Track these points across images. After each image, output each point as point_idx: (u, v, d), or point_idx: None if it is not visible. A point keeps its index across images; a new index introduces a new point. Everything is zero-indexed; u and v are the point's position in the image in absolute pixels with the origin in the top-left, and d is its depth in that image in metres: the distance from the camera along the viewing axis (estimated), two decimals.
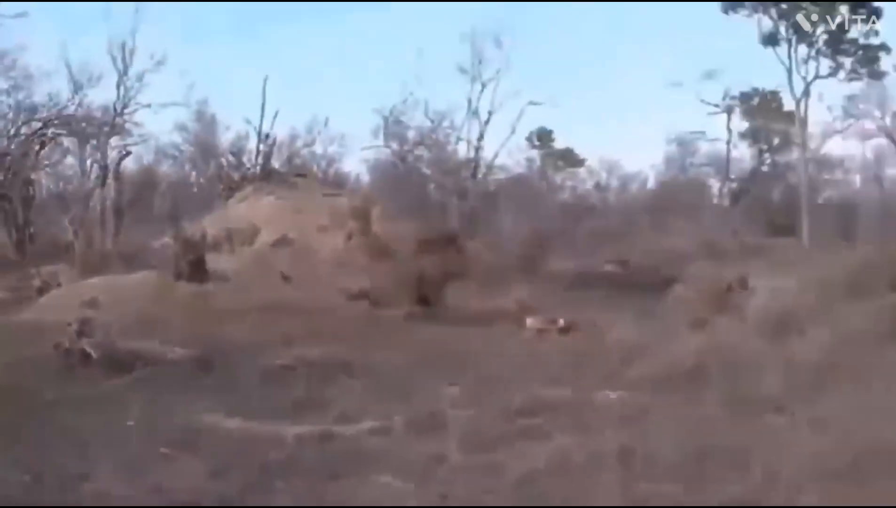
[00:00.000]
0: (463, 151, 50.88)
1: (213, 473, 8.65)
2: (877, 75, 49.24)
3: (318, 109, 52.23)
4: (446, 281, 22.04)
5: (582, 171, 58.55)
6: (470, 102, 50.13)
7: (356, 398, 12.21)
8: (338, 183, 46.44)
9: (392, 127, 51.16)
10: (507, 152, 53.08)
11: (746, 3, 49.69)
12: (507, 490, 8.17)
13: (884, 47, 48.68)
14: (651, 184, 58.38)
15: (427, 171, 50.97)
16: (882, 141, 51.66)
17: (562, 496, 7.95)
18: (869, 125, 51.71)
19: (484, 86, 49.81)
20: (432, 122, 50.74)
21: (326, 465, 9.14)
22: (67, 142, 44.47)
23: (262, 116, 41.98)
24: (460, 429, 10.20)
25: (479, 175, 50.34)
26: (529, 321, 19.42)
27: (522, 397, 11.93)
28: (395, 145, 51.79)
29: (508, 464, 8.82)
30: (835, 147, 54.32)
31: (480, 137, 50.42)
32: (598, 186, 58.69)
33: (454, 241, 24.34)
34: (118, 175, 42.21)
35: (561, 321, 19.16)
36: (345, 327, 18.93)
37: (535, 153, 57.05)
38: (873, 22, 48.65)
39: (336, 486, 8.45)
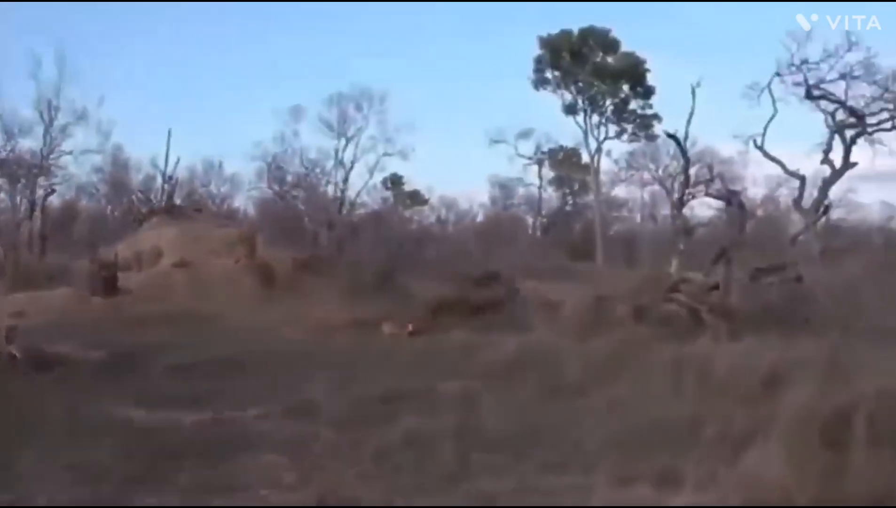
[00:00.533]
0: (331, 191, 50.95)
1: (120, 453, 8.26)
2: (651, 138, 51.28)
3: (214, 155, 51.61)
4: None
5: (426, 208, 59.00)
6: (336, 153, 50.25)
7: (245, 390, 11.91)
8: (229, 216, 45.72)
9: (274, 172, 50.84)
10: (366, 193, 53.46)
11: (551, 80, 50.95)
12: (367, 461, 8.02)
13: (656, 116, 50.84)
14: (480, 218, 59.14)
15: (302, 207, 50.62)
16: (656, 187, 53.43)
17: (412, 464, 7.85)
18: (646, 176, 53.56)
19: (348, 140, 50.01)
20: (306, 168, 50.70)
21: (218, 445, 8.83)
22: (1, 181, 42.96)
23: (166, 160, 41.26)
24: (329, 413, 10.01)
25: (345, 211, 50.24)
26: (385, 327, 19.25)
27: (380, 387, 11.78)
28: (276, 187, 51.35)
29: (368, 440, 8.67)
30: (620, 192, 56.20)
31: (345, 181, 50.92)
32: (439, 219, 59.10)
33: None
34: (44, 209, 41.06)
35: (410, 327, 19.05)
36: (236, 332, 18.53)
37: (389, 194, 57.21)
38: (647, 98, 50.72)
39: (225, 463, 8.15)
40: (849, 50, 34.49)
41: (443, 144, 72.00)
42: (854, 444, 7.37)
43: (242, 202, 53.77)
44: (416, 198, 57.85)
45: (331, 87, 60.62)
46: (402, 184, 56.67)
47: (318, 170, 50.99)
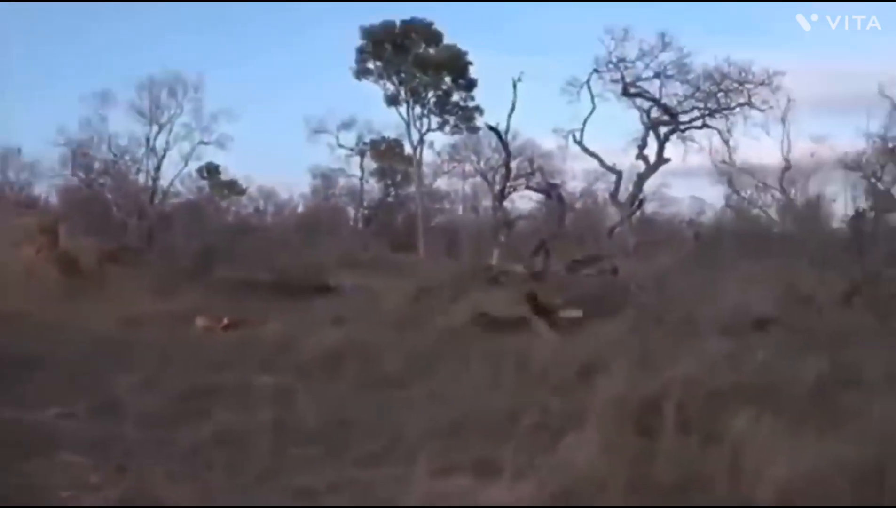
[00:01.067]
0: (142, 180, 49.29)
1: None
2: (473, 130, 52.05)
3: (12, 141, 48.93)
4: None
5: (244, 198, 58.06)
6: (148, 140, 48.58)
7: (45, 388, 11.31)
8: (29, 205, 43.49)
9: (79, 159, 48.66)
10: (180, 182, 52.05)
11: (373, 71, 51.03)
12: (177, 460, 7.78)
13: (478, 109, 51.61)
14: (301, 209, 58.70)
15: (110, 196, 48.75)
16: (478, 180, 54.41)
17: (225, 462, 7.67)
18: (468, 168, 54.48)
19: (160, 127, 48.46)
20: (115, 155, 48.73)
21: (16, 446, 8.35)
22: None
23: None
24: (137, 411, 9.65)
25: (157, 200, 48.71)
26: (198, 320, 18.76)
27: (191, 382, 11.46)
28: (81, 174, 49.24)
29: (178, 438, 8.42)
30: (442, 184, 56.96)
31: (157, 169, 49.14)
32: (257, 210, 58.29)
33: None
34: None
35: (225, 320, 18.66)
36: (36, 327, 17.59)
37: (205, 183, 55.95)
38: (470, 90, 51.57)
39: (24, 464, 7.73)
40: (663, 50, 36.38)
41: (262, 133, 70.91)
42: (663, 431, 7.73)
43: (45, 190, 51.38)
44: (234, 188, 56.83)
45: (143, 72, 58.50)
46: (219, 173, 55.51)
47: (127, 157, 49.21)
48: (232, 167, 55.84)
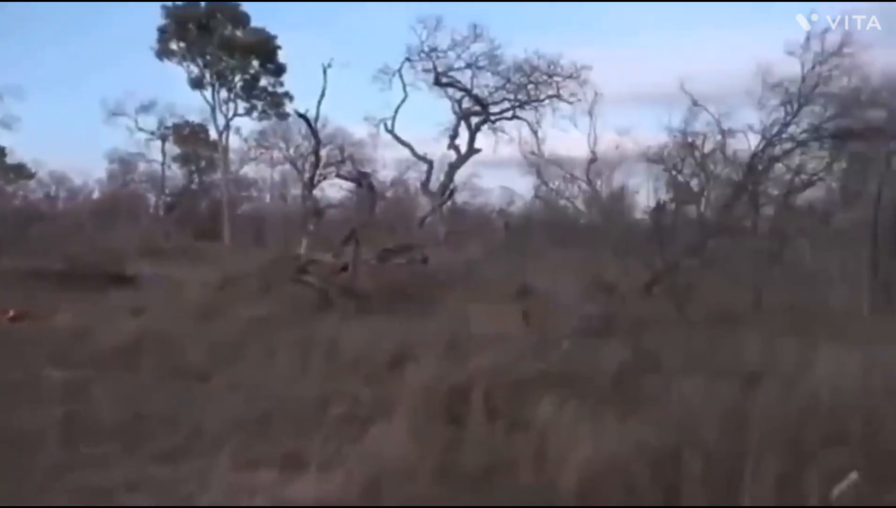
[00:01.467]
0: None
1: None
2: (282, 116, 51.29)
3: None
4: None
5: (33, 183, 55.28)
6: None
7: None
8: None
9: None
10: None
11: (177, 52, 49.56)
12: None
13: (287, 95, 50.97)
14: (96, 195, 56.51)
15: None
16: (287, 167, 53.75)
17: (12, 462, 7.26)
18: (277, 155, 53.71)
19: None
20: None
21: None
22: None
23: None
24: None
25: None
26: None
27: None
28: None
29: None
30: (250, 171, 56.01)
31: None
32: (48, 196, 55.70)
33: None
34: None
35: (11, 312, 17.67)
36: None
37: None
38: (278, 75, 50.89)
39: None
40: (475, 41, 37.02)
41: (55, 114, 67.41)
42: (471, 419, 7.89)
43: None
44: (21, 172, 53.99)
45: None
46: (5, 156, 52.58)
47: None
48: (20, 150, 53.08)
